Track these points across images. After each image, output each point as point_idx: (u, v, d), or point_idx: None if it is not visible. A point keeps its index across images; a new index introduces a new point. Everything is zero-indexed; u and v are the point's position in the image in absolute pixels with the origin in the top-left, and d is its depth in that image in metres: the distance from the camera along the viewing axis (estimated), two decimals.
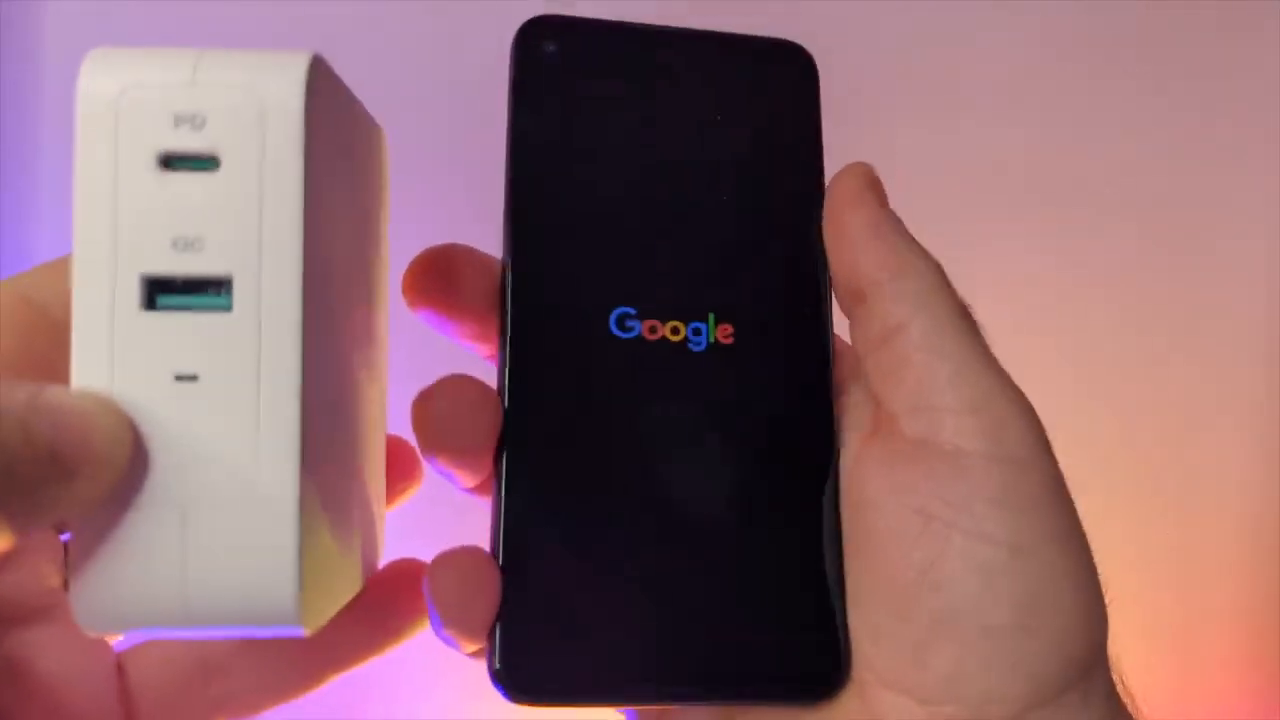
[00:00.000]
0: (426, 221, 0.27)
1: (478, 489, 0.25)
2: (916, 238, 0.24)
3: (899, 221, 0.25)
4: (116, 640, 0.25)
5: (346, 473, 0.22)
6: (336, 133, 0.20)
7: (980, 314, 0.24)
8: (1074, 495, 0.23)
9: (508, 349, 0.24)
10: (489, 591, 0.22)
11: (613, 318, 0.24)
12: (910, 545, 0.22)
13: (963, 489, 0.22)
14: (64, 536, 0.25)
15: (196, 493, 0.18)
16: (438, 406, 0.23)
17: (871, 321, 0.24)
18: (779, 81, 0.26)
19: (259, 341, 0.19)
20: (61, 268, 0.22)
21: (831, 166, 0.26)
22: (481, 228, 0.26)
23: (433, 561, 0.23)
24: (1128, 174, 0.41)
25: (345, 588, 0.22)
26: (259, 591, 0.19)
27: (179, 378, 0.18)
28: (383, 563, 0.26)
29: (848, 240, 0.25)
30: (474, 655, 0.24)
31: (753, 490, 0.24)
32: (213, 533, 0.18)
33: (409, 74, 0.39)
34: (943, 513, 0.22)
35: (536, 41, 0.25)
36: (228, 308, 0.18)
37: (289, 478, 0.19)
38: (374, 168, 0.24)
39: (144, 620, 0.19)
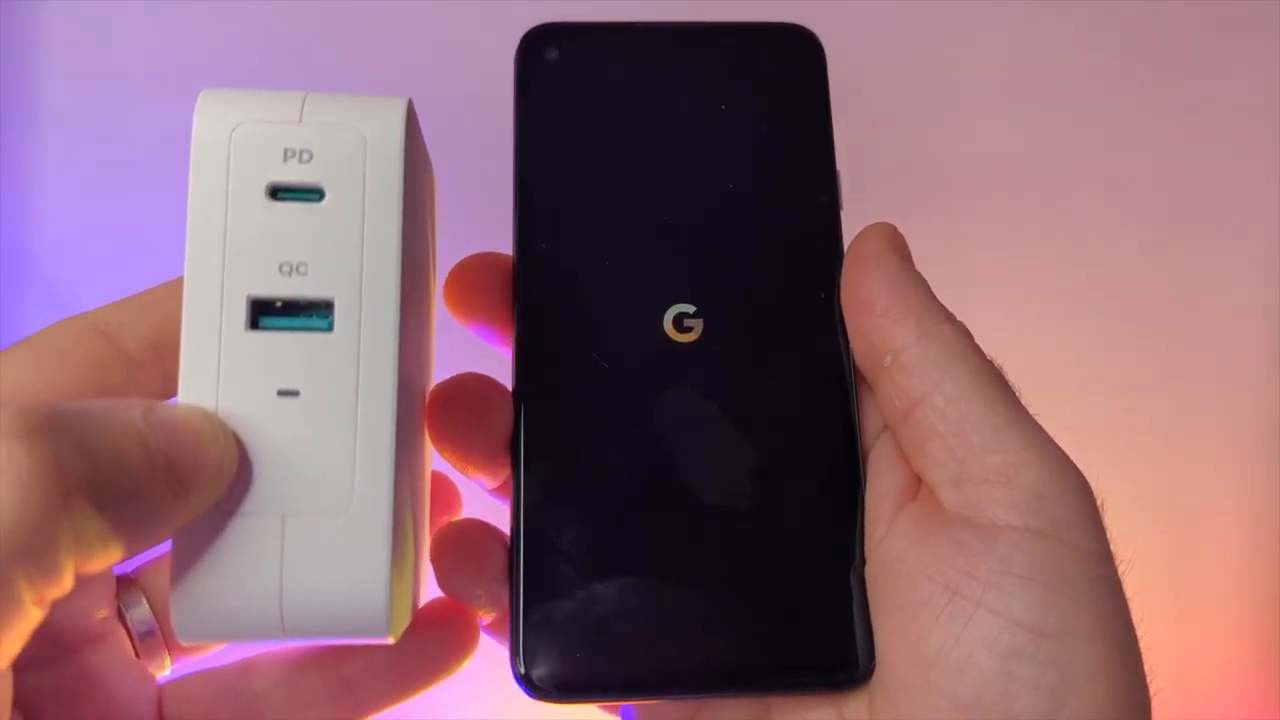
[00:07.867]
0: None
1: (499, 490, 0.25)
2: (915, 236, 0.24)
3: (922, 283, 0.23)
4: (163, 674, 0.25)
5: (417, 491, 0.23)
6: (415, 166, 0.22)
7: (977, 313, 0.23)
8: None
9: (520, 350, 0.24)
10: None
11: (625, 315, 0.24)
12: (932, 621, 0.21)
13: (992, 564, 0.21)
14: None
15: (295, 504, 0.19)
16: (447, 407, 0.24)
17: (892, 395, 0.23)
18: (785, 66, 0.26)
19: (358, 359, 0.20)
20: (137, 304, 0.23)
21: (839, 169, 0.26)
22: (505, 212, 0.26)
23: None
24: (1126, 174, 0.42)
25: (409, 611, 0.23)
26: (352, 600, 0.19)
27: (281, 393, 0.19)
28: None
29: (864, 305, 0.23)
30: (492, 630, 0.24)
31: (773, 480, 0.24)
32: (310, 542, 0.19)
33: (420, 69, 0.40)
34: (968, 588, 0.21)
35: (540, 50, 0.26)
36: (329, 328, 0.20)
37: (384, 489, 0.20)
38: (431, 194, 0.26)
39: (242, 632, 0.19)
